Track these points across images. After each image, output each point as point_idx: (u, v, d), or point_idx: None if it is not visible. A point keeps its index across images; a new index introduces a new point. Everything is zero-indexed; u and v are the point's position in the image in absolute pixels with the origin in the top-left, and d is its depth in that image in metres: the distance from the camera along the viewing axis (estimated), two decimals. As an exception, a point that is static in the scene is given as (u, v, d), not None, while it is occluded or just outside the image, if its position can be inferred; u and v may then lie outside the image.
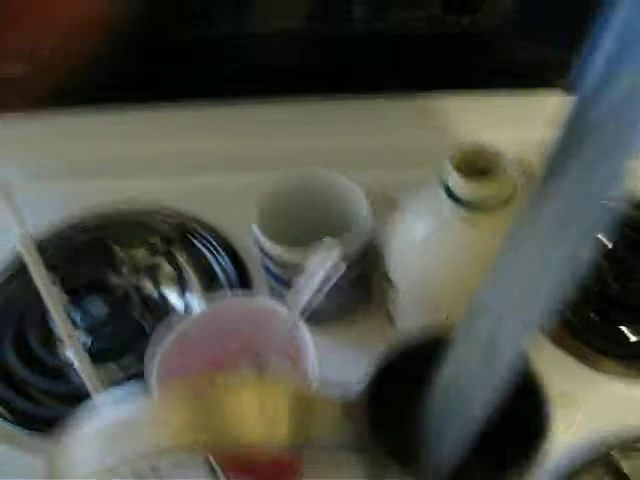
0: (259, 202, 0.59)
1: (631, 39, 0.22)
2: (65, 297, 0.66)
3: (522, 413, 0.38)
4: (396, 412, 0.41)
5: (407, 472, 0.38)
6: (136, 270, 0.68)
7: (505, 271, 0.32)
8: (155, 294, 0.66)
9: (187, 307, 0.65)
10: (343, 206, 0.61)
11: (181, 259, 0.69)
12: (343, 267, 0.52)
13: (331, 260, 0.51)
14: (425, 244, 0.51)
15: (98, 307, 0.64)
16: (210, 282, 0.67)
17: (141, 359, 0.60)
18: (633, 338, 0.64)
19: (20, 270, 0.66)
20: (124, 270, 0.68)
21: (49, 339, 0.63)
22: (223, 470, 0.53)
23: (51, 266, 0.66)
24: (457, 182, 0.47)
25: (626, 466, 0.54)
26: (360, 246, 0.58)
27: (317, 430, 0.39)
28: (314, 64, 0.76)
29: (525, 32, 0.72)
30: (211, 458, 0.52)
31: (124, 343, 0.62)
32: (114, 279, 0.67)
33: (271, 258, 0.58)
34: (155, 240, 0.71)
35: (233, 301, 0.60)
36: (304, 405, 0.39)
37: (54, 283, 0.64)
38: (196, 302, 0.66)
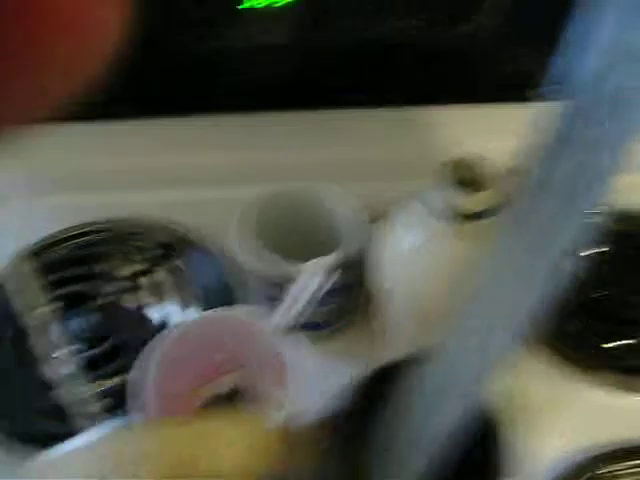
0: (241, 216, 0.59)
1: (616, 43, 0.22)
2: (48, 311, 0.65)
3: (478, 445, 0.37)
4: (363, 440, 0.40)
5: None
6: (120, 284, 0.67)
7: (477, 296, 0.31)
8: (138, 308, 0.65)
9: (170, 321, 0.64)
10: (333, 220, 0.61)
11: (165, 273, 0.69)
12: (325, 280, 0.52)
13: (319, 275, 0.51)
14: (415, 256, 0.51)
15: (82, 322, 0.64)
16: (194, 296, 0.67)
17: (126, 373, 0.60)
18: (618, 348, 0.64)
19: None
20: (107, 284, 0.67)
21: (34, 355, 0.62)
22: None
23: (38, 279, 0.66)
24: (446, 194, 0.47)
25: (607, 476, 0.54)
26: (346, 256, 0.57)
27: (289, 462, 0.38)
28: (303, 77, 0.76)
29: (514, 43, 0.72)
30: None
31: (108, 358, 0.62)
32: (97, 293, 0.66)
33: (255, 272, 0.58)
34: (139, 254, 0.70)
35: (217, 314, 0.59)
36: (276, 438, 0.38)
37: (40, 302, 0.64)
38: (180, 315, 0.65)
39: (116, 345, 0.62)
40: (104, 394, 0.60)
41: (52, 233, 0.72)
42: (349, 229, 0.59)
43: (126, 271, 0.69)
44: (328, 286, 0.52)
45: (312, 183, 0.62)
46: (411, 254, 0.51)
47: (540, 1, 0.65)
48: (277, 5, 0.68)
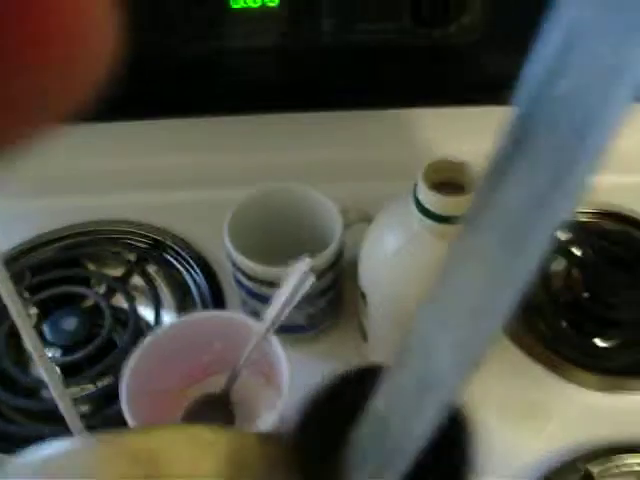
0: (232, 216, 0.59)
1: (577, 37, 0.22)
2: (37, 313, 0.65)
3: (447, 446, 0.37)
4: (328, 449, 0.39)
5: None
6: (108, 284, 0.67)
7: (443, 294, 0.31)
8: (127, 308, 0.65)
9: (159, 321, 0.65)
10: (316, 220, 0.62)
11: (154, 273, 0.69)
12: (312, 280, 0.52)
13: (301, 273, 0.51)
14: (396, 257, 0.51)
15: (70, 322, 0.64)
16: (183, 296, 0.67)
17: (113, 373, 0.60)
18: (603, 348, 0.64)
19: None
20: (96, 285, 0.68)
21: (21, 357, 0.63)
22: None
23: (22, 281, 0.67)
24: (427, 195, 0.47)
25: (597, 477, 0.55)
26: (331, 258, 0.58)
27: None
28: (285, 79, 0.76)
29: (496, 45, 0.72)
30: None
31: (96, 358, 0.62)
32: (86, 294, 0.67)
33: (243, 272, 0.58)
34: (128, 255, 0.71)
35: (205, 315, 0.60)
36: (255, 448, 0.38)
37: (26, 303, 0.64)
38: (168, 316, 0.65)
39: (103, 346, 0.62)
40: (90, 395, 0.60)
41: (39, 234, 0.73)
42: (332, 230, 0.59)
43: (115, 272, 0.69)
44: (313, 288, 0.52)
45: (292, 183, 0.63)
46: (392, 256, 0.52)
47: (518, 4, 0.65)
48: (270, 5, 0.68)
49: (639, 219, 0.73)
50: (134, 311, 0.65)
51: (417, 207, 0.48)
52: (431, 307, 0.32)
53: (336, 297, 0.63)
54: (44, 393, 0.60)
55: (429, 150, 0.73)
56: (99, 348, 0.62)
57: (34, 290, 0.67)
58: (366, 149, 0.77)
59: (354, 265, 0.56)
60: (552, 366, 0.62)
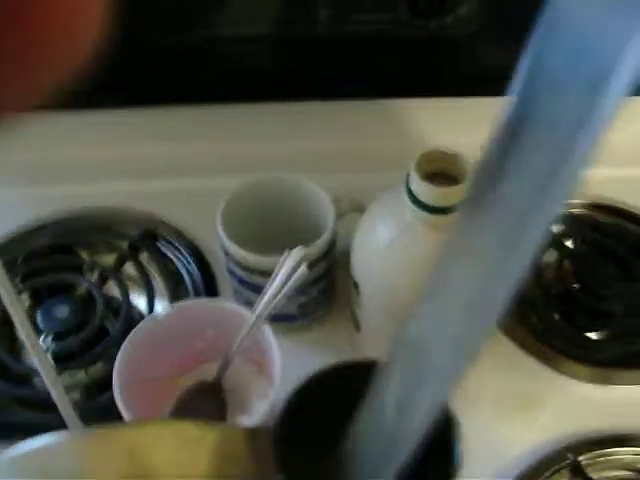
0: (225, 205, 0.59)
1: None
2: (29, 300, 0.65)
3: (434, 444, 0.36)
4: (313, 447, 0.39)
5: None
6: (101, 273, 0.67)
7: (438, 289, 0.31)
8: (120, 297, 0.65)
9: (152, 310, 0.65)
10: (309, 210, 0.62)
11: (146, 262, 0.69)
12: (305, 269, 0.52)
13: (294, 262, 0.51)
14: (389, 248, 0.51)
15: (62, 310, 0.64)
16: (176, 285, 0.67)
17: (106, 361, 0.60)
18: (595, 340, 0.65)
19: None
20: (89, 273, 0.68)
21: (14, 345, 0.63)
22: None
23: (15, 269, 0.66)
24: (420, 186, 0.47)
25: (588, 469, 0.55)
26: (323, 247, 0.58)
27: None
28: (280, 68, 0.76)
29: (493, 37, 0.72)
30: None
31: (88, 346, 0.62)
32: (79, 282, 0.66)
33: (236, 261, 0.58)
34: (121, 243, 0.71)
35: (197, 303, 0.60)
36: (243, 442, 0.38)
37: (19, 291, 0.64)
38: (161, 305, 0.65)
39: (96, 334, 0.63)
40: (82, 383, 0.60)
41: (32, 221, 0.73)
42: (325, 220, 0.59)
43: (108, 260, 0.69)
44: (305, 277, 0.53)
45: (285, 173, 0.63)
46: (385, 246, 0.52)
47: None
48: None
49: (631, 212, 0.73)
50: (127, 299, 0.65)
51: (409, 198, 0.48)
52: (426, 301, 0.32)
53: (328, 286, 0.63)
54: (36, 381, 0.60)
55: (424, 141, 0.73)
56: (91, 336, 0.62)
57: (26, 278, 0.67)
58: (360, 139, 0.77)
59: (347, 255, 0.56)
60: (544, 358, 0.62)
